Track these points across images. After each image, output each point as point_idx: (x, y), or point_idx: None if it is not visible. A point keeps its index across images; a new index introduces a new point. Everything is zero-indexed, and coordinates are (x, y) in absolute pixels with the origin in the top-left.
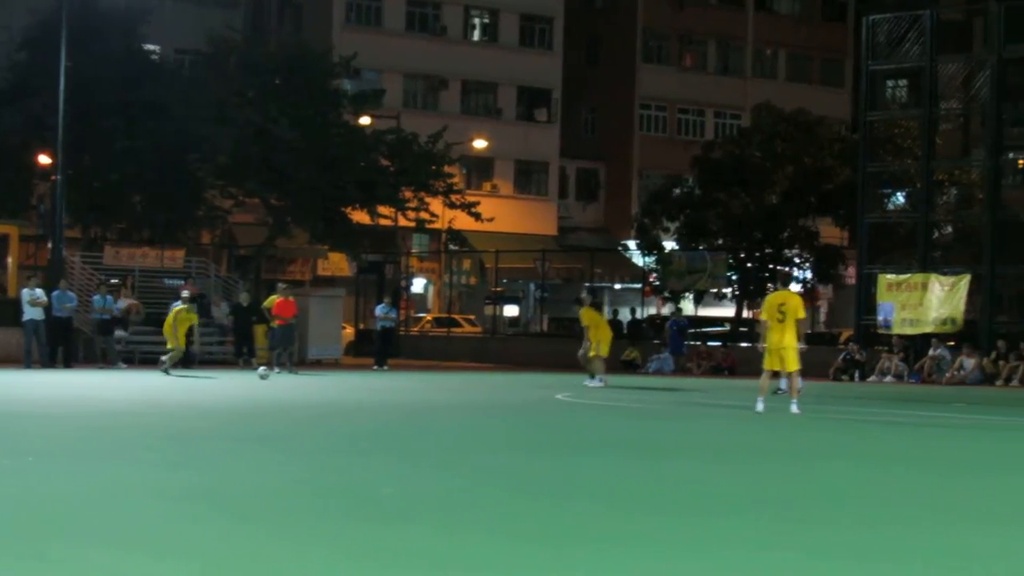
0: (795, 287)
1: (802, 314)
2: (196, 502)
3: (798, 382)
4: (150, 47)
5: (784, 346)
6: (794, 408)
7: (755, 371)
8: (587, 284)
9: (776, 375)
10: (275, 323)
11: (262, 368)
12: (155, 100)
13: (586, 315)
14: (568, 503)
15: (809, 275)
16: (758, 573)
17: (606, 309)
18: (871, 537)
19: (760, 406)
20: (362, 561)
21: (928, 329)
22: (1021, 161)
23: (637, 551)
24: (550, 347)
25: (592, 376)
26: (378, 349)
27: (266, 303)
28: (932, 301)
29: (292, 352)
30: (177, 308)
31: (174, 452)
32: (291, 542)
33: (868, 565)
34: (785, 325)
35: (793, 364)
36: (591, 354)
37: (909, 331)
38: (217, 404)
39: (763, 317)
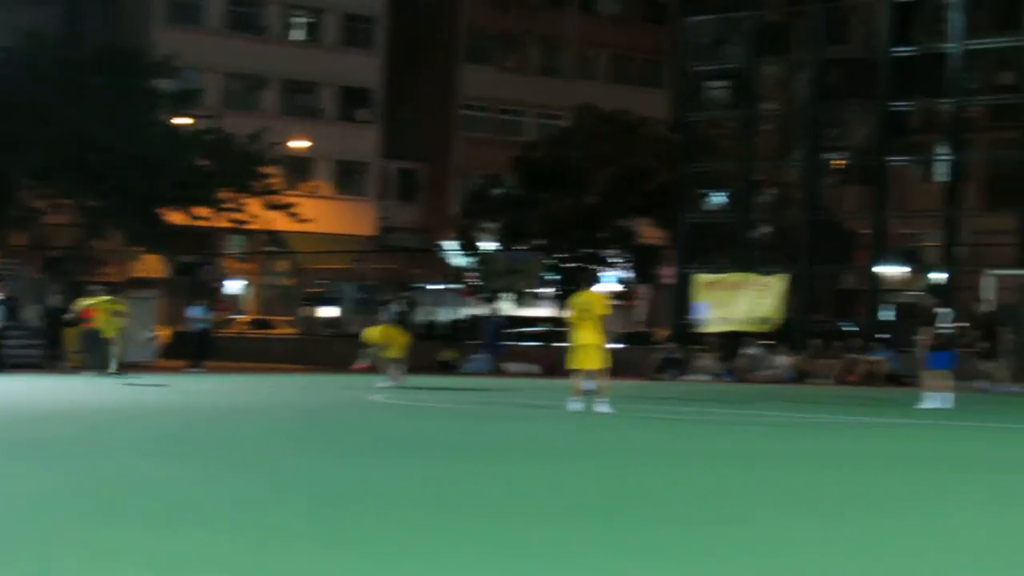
0: (614, 287)
1: (603, 311)
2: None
3: (602, 380)
4: None
5: (587, 344)
6: (600, 407)
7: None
8: (402, 296)
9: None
10: (82, 326)
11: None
12: None
13: (381, 333)
14: (369, 506)
15: (629, 275)
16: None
17: (421, 309)
18: (689, 535)
19: (573, 406)
20: (160, 569)
21: (742, 327)
22: (838, 162)
23: (434, 555)
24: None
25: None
26: (194, 351)
27: (78, 306)
28: (746, 300)
29: (103, 356)
30: None
31: None
32: (80, 550)
33: (689, 563)
34: (588, 324)
35: (597, 363)
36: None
37: (723, 329)
38: (16, 409)
39: (569, 317)
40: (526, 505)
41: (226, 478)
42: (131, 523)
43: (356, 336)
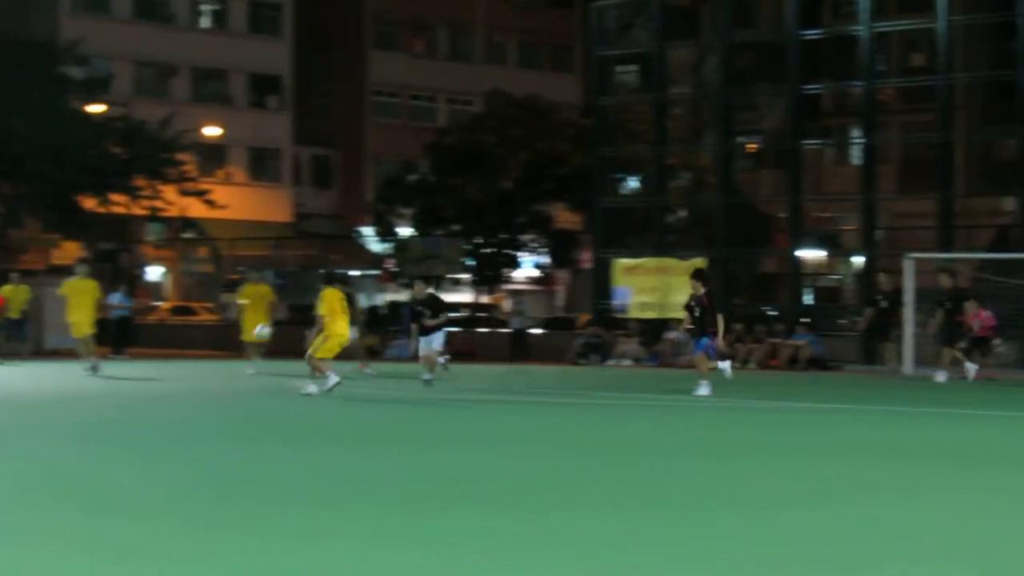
0: (532, 272)
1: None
2: None
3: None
4: None
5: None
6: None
7: (495, 356)
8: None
9: None
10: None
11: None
12: None
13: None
14: (273, 493)
15: (547, 260)
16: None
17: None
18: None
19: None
20: (95, 555)
21: (668, 313)
22: (751, 145)
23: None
24: (287, 334)
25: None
26: (114, 338)
27: None
28: (670, 285)
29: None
30: None
31: None
32: (17, 534)
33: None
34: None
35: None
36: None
37: (648, 315)
38: None
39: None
40: (407, 493)
41: (150, 465)
42: (66, 509)
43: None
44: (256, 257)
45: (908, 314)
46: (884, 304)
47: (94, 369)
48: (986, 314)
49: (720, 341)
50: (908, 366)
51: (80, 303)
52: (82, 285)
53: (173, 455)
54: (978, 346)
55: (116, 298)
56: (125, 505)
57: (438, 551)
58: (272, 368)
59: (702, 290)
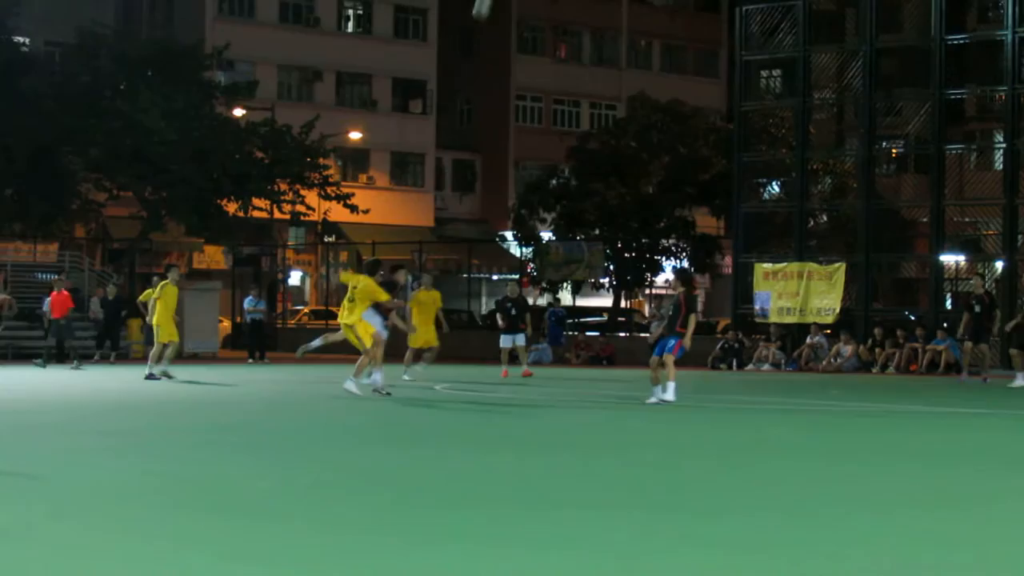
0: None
1: (382, 297)
2: (43, 499)
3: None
4: (20, 39)
5: (351, 323)
6: (350, 387)
7: (635, 361)
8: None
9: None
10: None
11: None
12: (26, 92)
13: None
14: (419, 499)
15: (686, 264)
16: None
17: (484, 300)
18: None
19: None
20: (234, 559)
21: (807, 318)
22: (894, 150)
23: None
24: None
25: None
26: (250, 342)
27: (141, 297)
28: (810, 290)
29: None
30: None
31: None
32: (156, 537)
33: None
34: (355, 305)
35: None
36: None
37: (788, 320)
38: (79, 398)
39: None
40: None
41: (279, 468)
42: (197, 511)
43: None
44: (396, 261)
45: None
46: (978, 309)
47: (151, 377)
48: None
49: (687, 342)
50: None
51: (163, 308)
52: (169, 291)
53: (305, 457)
54: None
55: (249, 302)
56: (252, 507)
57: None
58: (435, 374)
59: (680, 289)
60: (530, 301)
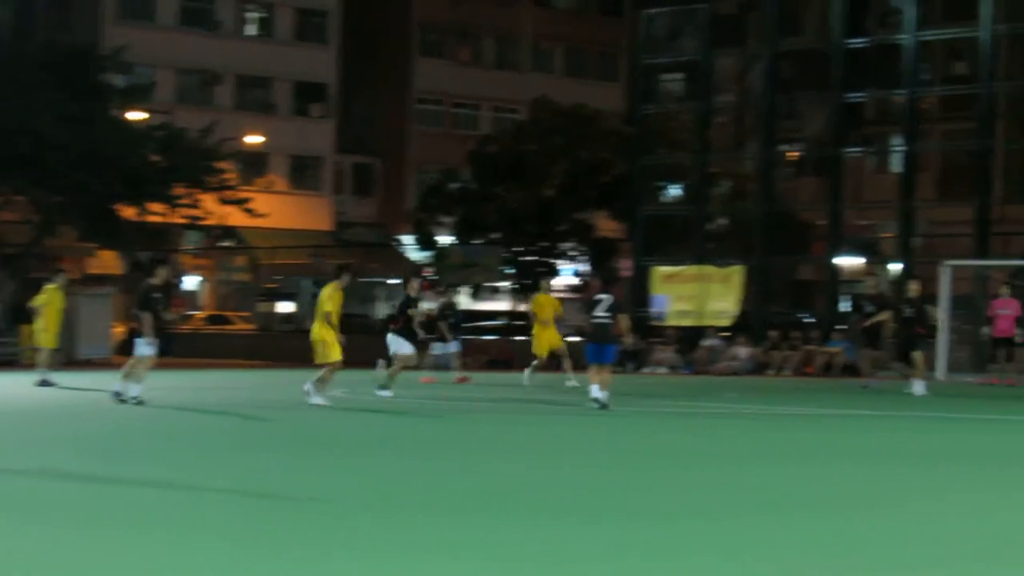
0: (569, 280)
1: (328, 307)
2: None
3: (328, 374)
4: None
5: (314, 339)
6: (315, 399)
7: (528, 364)
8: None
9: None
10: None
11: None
12: None
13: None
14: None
15: (587, 268)
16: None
17: (382, 305)
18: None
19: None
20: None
21: (704, 321)
22: (793, 153)
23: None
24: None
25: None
26: None
27: (32, 302)
28: (708, 292)
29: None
30: None
31: None
32: None
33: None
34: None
35: (322, 357)
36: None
37: (685, 322)
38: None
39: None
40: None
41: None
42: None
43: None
44: (295, 266)
45: (944, 321)
46: (870, 310)
47: (45, 384)
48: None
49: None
50: (941, 372)
51: (50, 313)
52: (55, 296)
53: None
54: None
55: None
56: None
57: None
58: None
59: (594, 288)
60: (428, 305)
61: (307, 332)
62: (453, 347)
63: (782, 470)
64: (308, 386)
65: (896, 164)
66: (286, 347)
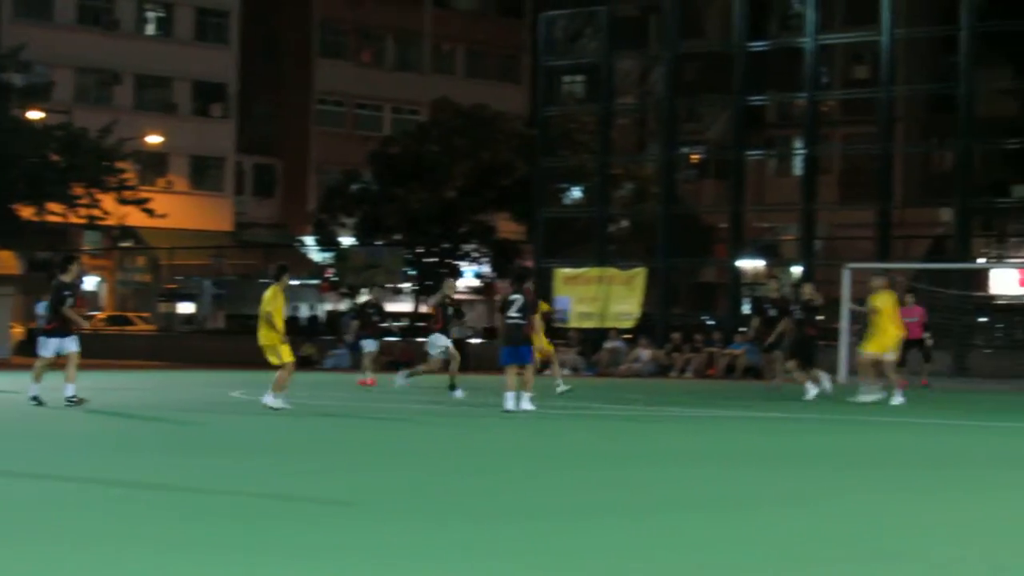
0: (472, 281)
1: (269, 308)
2: None
3: (285, 376)
4: None
5: (263, 345)
6: (268, 400)
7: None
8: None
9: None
10: None
11: None
12: None
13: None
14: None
15: (488, 269)
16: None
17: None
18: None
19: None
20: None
21: (607, 323)
22: (695, 156)
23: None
24: (226, 344)
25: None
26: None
27: None
28: (610, 294)
29: None
30: None
31: None
32: None
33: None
34: (262, 322)
35: (275, 360)
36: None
37: (588, 324)
38: None
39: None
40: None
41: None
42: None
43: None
44: (195, 267)
45: (844, 323)
46: (773, 313)
47: None
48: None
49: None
50: (842, 375)
51: None
52: None
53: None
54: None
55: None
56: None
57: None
58: (233, 380)
59: (514, 289)
60: (330, 307)
61: (208, 333)
62: (371, 346)
63: (670, 472)
64: (267, 398)
65: (798, 167)
66: (187, 348)
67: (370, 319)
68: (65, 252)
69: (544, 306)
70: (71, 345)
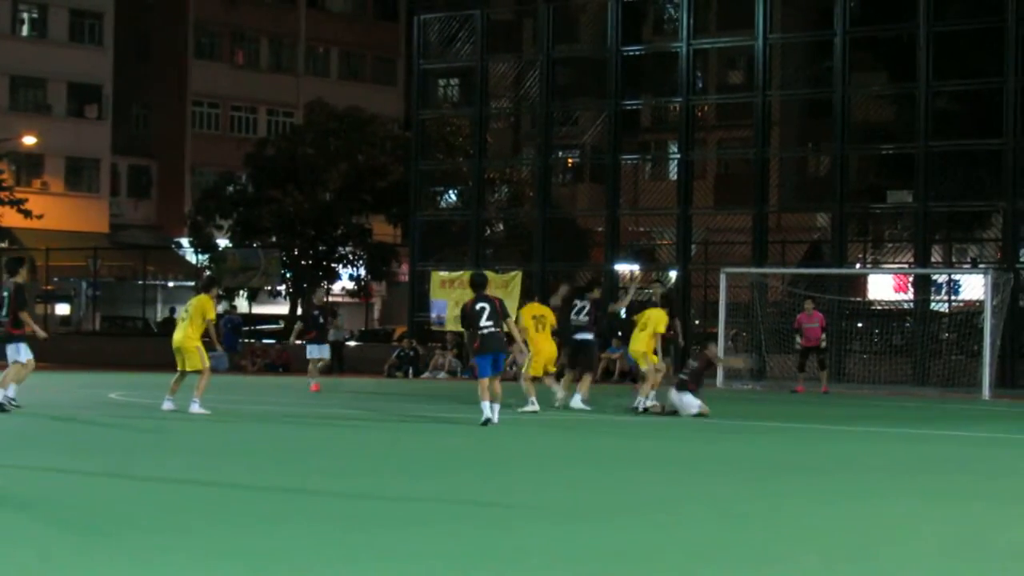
0: (348, 284)
1: (211, 316)
2: None
3: (204, 380)
4: None
5: (184, 348)
6: (194, 407)
7: (306, 367)
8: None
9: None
10: None
11: None
12: None
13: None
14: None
15: (364, 272)
16: None
17: (160, 308)
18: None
19: (168, 404)
20: None
21: None
22: (570, 160)
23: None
24: (103, 345)
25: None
26: None
27: None
28: None
29: None
30: None
31: None
32: None
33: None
34: (187, 324)
35: (195, 364)
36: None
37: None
38: None
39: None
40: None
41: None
42: None
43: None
44: (71, 268)
45: (721, 326)
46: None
47: None
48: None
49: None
50: (719, 379)
51: None
52: None
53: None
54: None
55: None
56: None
57: None
58: (109, 381)
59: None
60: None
61: (84, 334)
62: (323, 351)
63: (532, 476)
64: (194, 406)
65: (673, 171)
66: (64, 349)
67: (316, 322)
68: (15, 254)
69: (550, 314)
70: (24, 353)
